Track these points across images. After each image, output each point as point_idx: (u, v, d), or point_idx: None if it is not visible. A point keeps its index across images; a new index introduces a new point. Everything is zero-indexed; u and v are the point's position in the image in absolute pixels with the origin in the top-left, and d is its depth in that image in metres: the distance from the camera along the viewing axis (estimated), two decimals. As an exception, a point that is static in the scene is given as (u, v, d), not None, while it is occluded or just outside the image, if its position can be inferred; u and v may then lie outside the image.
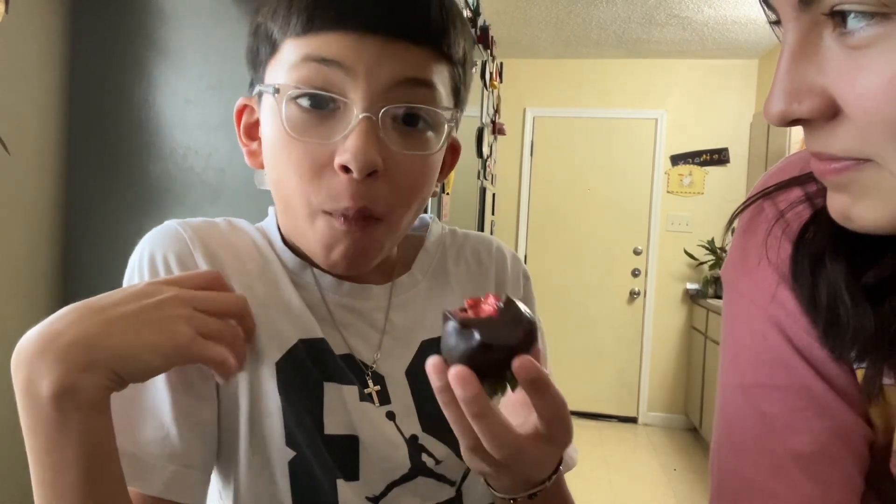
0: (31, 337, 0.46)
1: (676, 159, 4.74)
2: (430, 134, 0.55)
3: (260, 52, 0.57)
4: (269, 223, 0.65)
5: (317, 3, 0.52)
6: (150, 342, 0.46)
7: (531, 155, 4.92)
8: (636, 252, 4.83)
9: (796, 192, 0.51)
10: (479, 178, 3.44)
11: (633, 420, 4.83)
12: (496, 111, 3.96)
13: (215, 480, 0.60)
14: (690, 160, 4.72)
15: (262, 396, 0.57)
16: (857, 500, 0.48)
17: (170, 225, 0.59)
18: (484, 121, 3.39)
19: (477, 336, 0.42)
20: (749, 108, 4.62)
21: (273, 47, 0.55)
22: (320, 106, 0.52)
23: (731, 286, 0.55)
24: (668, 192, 4.76)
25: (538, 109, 4.91)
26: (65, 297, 1.88)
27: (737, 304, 0.54)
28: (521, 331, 0.44)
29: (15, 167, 1.69)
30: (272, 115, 0.55)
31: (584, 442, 4.29)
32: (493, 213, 4.26)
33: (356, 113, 0.51)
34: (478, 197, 3.50)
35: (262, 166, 0.60)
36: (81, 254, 1.88)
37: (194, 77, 1.84)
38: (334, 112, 0.52)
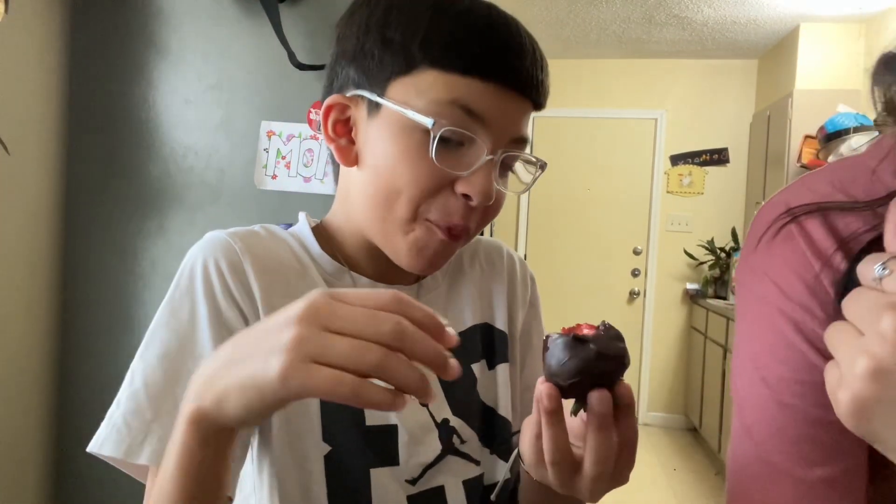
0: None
1: (676, 159, 4.74)
2: (510, 174, 0.65)
3: (385, 64, 0.59)
4: (301, 229, 0.69)
5: (477, 52, 0.57)
6: (238, 380, 0.41)
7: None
8: (636, 252, 4.83)
9: (828, 240, 0.53)
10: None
11: (632, 420, 4.83)
12: (496, 111, 3.97)
13: (249, 473, 0.62)
14: (690, 160, 4.72)
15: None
16: (865, 487, 0.52)
17: (218, 235, 0.62)
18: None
19: (592, 346, 0.47)
20: (749, 108, 4.62)
21: (408, 67, 0.58)
22: (454, 143, 0.58)
23: (750, 290, 0.57)
24: (667, 192, 4.76)
25: (538, 109, 4.91)
26: (65, 296, 1.88)
27: (757, 307, 0.56)
28: (624, 347, 0.49)
29: (15, 167, 1.69)
30: (396, 132, 0.59)
31: (584, 442, 4.28)
32: (492, 213, 4.26)
33: (485, 154, 0.59)
34: (478, 197, 3.50)
35: (352, 164, 0.63)
36: (81, 253, 1.88)
37: (194, 77, 1.84)
38: (461, 147, 0.59)
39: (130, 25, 1.84)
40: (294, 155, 1.81)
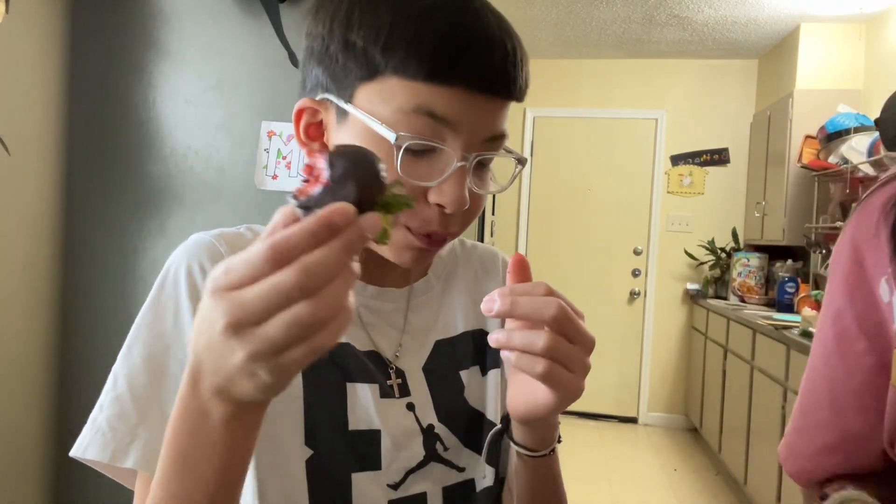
0: None
1: (676, 159, 4.74)
2: (491, 172, 0.63)
3: (349, 70, 0.56)
4: None
5: (440, 57, 0.53)
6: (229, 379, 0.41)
7: (531, 155, 4.93)
8: (636, 252, 4.83)
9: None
10: (479, 178, 3.44)
11: (633, 420, 4.83)
12: (496, 111, 3.97)
13: None
14: (690, 160, 4.72)
15: (283, 400, 0.58)
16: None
17: (203, 237, 0.61)
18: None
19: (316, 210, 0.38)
20: (749, 108, 4.62)
21: (371, 73, 0.55)
22: (423, 151, 0.56)
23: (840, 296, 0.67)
24: (668, 192, 4.76)
25: (538, 109, 4.91)
26: (65, 296, 1.88)
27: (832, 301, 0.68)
28: (355, 186, 0.39)
29: (15, 167, 1.69)
30: (364, 141, 0.55)
31: (584, 442, 4.29)
32: (493, 214, 4.26)
33: (454, 161, 0.56)
34: (478, 197, 3.50)
35: None
36: (81, 253, 1.88)
37: (194, 77, 1.84)
38: (431, 154, 0.56)
39: (130, 25, 1.84)
40: (295, 155, 1.81)
